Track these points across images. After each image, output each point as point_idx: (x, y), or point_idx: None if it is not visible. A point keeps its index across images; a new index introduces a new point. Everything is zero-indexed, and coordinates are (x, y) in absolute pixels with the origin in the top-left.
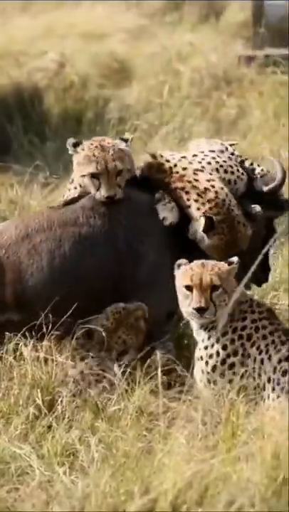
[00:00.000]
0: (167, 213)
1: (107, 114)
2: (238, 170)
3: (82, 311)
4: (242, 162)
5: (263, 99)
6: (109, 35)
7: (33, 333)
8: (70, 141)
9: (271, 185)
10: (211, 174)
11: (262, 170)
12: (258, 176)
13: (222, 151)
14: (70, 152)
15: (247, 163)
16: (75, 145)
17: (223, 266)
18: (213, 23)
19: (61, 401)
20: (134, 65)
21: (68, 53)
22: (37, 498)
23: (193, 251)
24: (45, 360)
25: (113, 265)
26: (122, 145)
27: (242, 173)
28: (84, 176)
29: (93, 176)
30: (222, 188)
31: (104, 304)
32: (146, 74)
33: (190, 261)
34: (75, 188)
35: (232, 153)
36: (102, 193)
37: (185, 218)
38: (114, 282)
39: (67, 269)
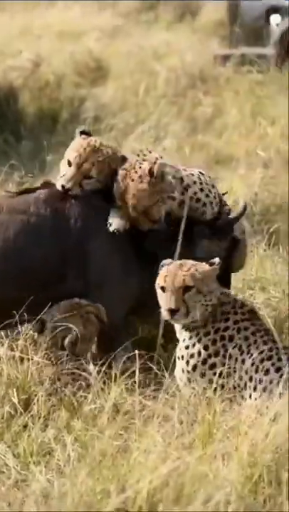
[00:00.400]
0: (115, 220)
1: (82, 113)
2: (214, 197)
3: (29, 302)
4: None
5: (239, 98)
6: (85, 35)
7: (8, 332)
8: (79, 129)
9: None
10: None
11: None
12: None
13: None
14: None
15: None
16: (82, 133)
17: (203, 267)
18: (189, 22)
19: (37, 400)
20: (109, 64)
21: (44, 53)
22: (13, 497)
23: (150, 261)
24: (21, 359)
25: (59, 259)
26: (116, 161)
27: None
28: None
29: (69, 163)
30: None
31: (50, 297)
32: (122, 73)
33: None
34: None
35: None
36: (60, 181)
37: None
38: (61, 276)
39: (11, 255)
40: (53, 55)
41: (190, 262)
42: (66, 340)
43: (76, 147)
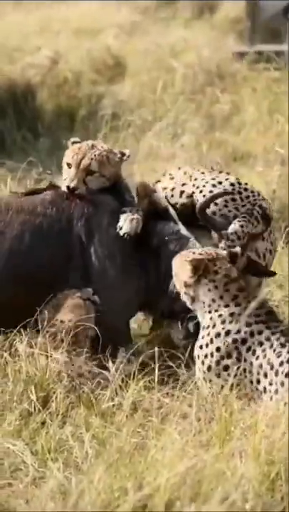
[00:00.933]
0: (125, 224)
1: (100, 110)
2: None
3: (35, 302)
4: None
5: (257, 95)
6: (103, 32)
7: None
8: (72, 140)
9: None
10: None
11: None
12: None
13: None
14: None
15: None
16: (74, 143)
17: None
18: (207, 19)
19: (55, 397)
20: (127, 61)
21: (62, 50)
22: (30, 494)
23: (153, 259)
24: (40, 357)
25: (64, 260)
26: (116, 156)
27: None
28: (67, 165)
29: (68, 165)
30: None
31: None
32: (139, 70)
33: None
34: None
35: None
36: (66, 182)
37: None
38: (66, 277)
39: (18, 255)
40: (71, 52)
41: None
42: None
43: (72, 150)
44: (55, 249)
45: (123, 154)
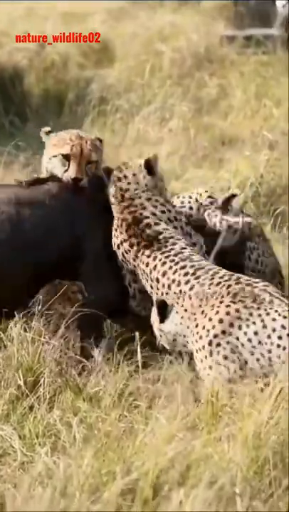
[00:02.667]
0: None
1: (88, 94)
2: None
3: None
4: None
5: (245, 80)
6: (90, 16)
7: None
8: (44, 129)
9: None
10: None
11: None
12: None
13: None
14: (43, 139)
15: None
16: (49, 132)
17: None
18: (194, 6)
19: (43, 381)
20: (115, 45)
21: (49, 33)
22: (18, 478)
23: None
24: (33, 341)
25: (69, 250)
26: (97, 142)
27: None
28: (55, 156)
29: (64, 157)
30: None
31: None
32: (127, 54)
33: None
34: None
35: None
36: (70, 174)
37: None
38: (71, 267)
39: (23, 246)
40: (58, 35)
41: None
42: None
43: (63, 140)
44: (61, 240)
45: (100, 141)
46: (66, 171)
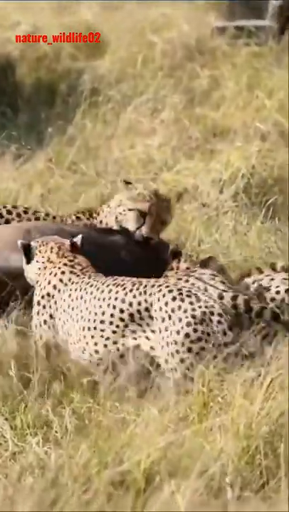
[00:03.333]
0: None
1: (80, 85)
2: None
3: None
4: None
5: (237, 71)
6: (82, 7)
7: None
8: (122, 179)
9: None
10: None
11: None
12: None
13: None
14: (119, 188)
15: None
16: (127, 183)
17: None
18: None
19: (36, 370)
20: (107, 37)
21: (41, 24)
22: (9, 469)
23: None
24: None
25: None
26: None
27: None
28: (131, 210)
29: (141, 214)
30: None
31: None
32: (119, 45)
33: None
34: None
35: None
36: (144, 232)
37: None
38: None
39: None
40: (50, 27)
41: None
42: None
43: (142, 196)
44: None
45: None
46: (139, 228)
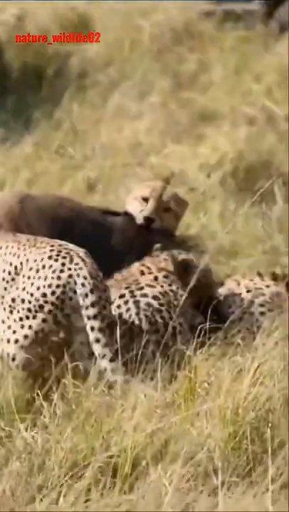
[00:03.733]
0: None
1: (67, 68)
2: None
3: None
4: None
5: (224, 55)
6: None
7: None
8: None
9: None
10: None
11: None
12: None
13: None
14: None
15: None
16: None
17: None
18: None
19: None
20: (94, 19)
21: (28, 8)
22: None
23: None
24: None
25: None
26: (179, 197)
27: None
28: (135, 199)
29: (144, 199)
30: None
31: None
32: (106, 29)
33: None
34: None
35: None
36: (144, 212)
37: None
38: None
39: None
40: (38, 11)
41: None
42: None
43: (146, 186)
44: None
45: (182, 201)
46: (141, 211)
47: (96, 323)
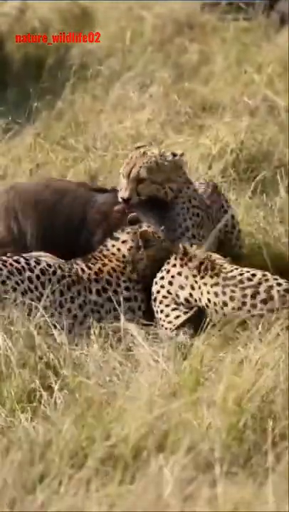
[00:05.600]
0: None
1: (68, 59)
2: None
3: None
4: None
5: (226, 46)
6: None
7: None
8: (136, 145)
9: None
10: None
11: None
12: None
13: None
14: None
15: None
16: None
17: None
18: None
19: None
20: (96, 11)
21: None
22: None
23: None
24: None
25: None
26: (165, 159)
27: None
28: (120, 174)
29: (123, 176)
30: None
31: None
32: (108, 19)
33: None
34: None
35: None
36: (119, 194)
37: None
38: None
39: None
40: (39, 3)
41: None
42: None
43: (128, 159)
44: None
45: (174, 155)
46: (120, 189)
47: None
